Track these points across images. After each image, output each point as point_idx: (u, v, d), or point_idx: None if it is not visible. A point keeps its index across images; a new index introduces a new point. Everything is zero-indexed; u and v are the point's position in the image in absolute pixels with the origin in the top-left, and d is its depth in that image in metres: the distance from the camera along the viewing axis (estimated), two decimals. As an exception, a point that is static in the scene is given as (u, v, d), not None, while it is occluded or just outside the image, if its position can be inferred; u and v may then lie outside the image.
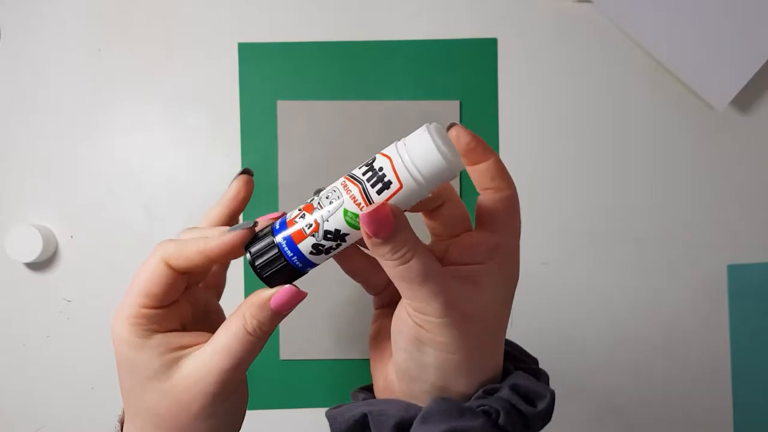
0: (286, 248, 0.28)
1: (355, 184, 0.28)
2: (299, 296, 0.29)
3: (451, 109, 0.51)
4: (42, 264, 0.51)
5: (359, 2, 0.52)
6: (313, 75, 0.52)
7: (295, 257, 0.28)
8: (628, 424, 0.52)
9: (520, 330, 0.52)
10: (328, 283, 0.51)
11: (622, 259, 0.52)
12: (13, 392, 0.51)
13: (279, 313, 0.30)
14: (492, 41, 0.52)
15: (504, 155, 0.52)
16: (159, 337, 0.31)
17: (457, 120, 0.51)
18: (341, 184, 0.28)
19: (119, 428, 0.34)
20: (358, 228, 0.27)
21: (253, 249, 0.29)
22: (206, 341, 0.31)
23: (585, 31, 0.52)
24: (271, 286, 0.29)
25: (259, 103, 0.51)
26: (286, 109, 0.51)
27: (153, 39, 0.52)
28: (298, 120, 0.51)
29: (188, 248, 0.32)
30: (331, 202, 0.27)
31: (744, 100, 0.52)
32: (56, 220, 0.51)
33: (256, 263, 0.28)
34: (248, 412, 0.54)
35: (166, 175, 0.52)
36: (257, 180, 0.51)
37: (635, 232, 0.52)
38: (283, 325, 0.51)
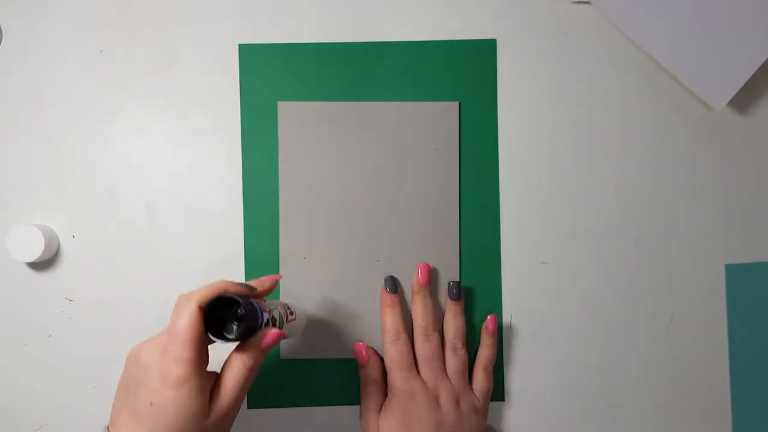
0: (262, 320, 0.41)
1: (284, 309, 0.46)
2: (281, 336, 0.41)
3: (450, 110, 0.52)
4: (44, 264, 0.51)
5: (359, 3, 0.52)
6: (313, 76, 0.52)
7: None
8: (627, 423, 0.52)
9: (519, 330, 0.52)
10: (328, 283, 0.51)
11: (622, 259, 0.52)
12: (15, 391, 0.51)
13: (267, 350, 0.40)
14: (491, 42, 0.52)
15: (503, 155, 0.52)
16: (196, 380, 0.37)
17: (456, 119, 0.52)
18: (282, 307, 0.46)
19: None
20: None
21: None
22: (214, 379, 0.40)
23: (584, 32, 0.52)
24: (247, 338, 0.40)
25: (259, 103, 0.52)
26: (287, 110, 0.51)
27: (154, 40, 0.52)
28: (299, 121, 0.51)
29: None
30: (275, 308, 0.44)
31: (742, 101, 0.52)
32: (58, 219, 0.51)
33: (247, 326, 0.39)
34: (249, 411, 0.54)
35: (167, 175, 0.52)
36: (257, 180, 0.52)
37: (634, 232, 0.53)
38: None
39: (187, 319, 0.37)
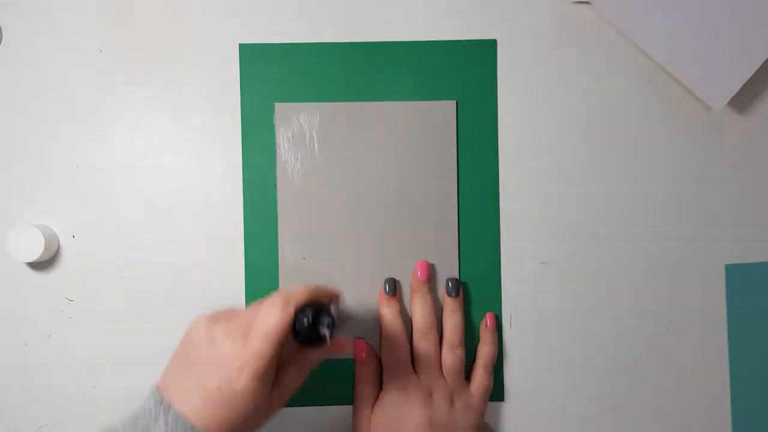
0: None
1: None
2: (349, 348, 0.49)
3: (449, 110, 0.52)
4: (44, 264, 0.51)
5: (359, 3, 0.52)
6: (313, 76, 0.52)
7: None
8: (627, 423, 0.52)
9: (518, 329, 0.52)
10: (328, 283, 0.51)
11: (622, 259, 0.52)
12: (15, 391, 0.51)
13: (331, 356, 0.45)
14: (491, 42, 0.52)
15: (503, 156, 0.52)
16: (270, 376, 0.39)
17: (453, 118, 0.52)
18: None
19: (157, 395, 0.39)
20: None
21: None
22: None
23: (583, 32, 0.52)
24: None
25: (259, 103, 0.52)
26: (285, 111, 0.51)
27: (154, 40, 0.52)
28: (298, 121, 0.51)
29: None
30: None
31: (742, 101, 0.52)
32: (58, 219, 0.51)
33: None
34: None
35: (167, 175, 0.52)
36: (257, 180, 0.52)
37: (634, 231, 0.53)
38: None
39: (281, 321, 0.38)
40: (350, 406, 0.50)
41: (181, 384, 0.39)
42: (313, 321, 0.40)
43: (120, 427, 0.39)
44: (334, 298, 0.44)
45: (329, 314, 0.40)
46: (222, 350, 0.38)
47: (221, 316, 0.41)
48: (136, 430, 0.38)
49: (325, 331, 0.40)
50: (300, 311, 0.40)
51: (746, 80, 0.50)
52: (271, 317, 0.38)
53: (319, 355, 0.43)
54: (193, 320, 0.41)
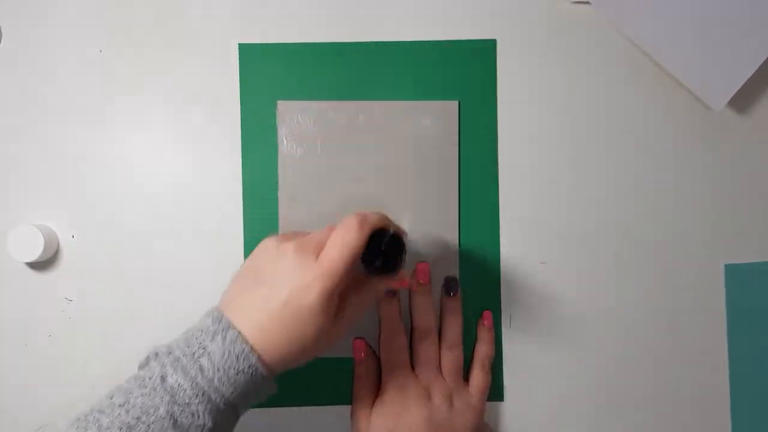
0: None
1: None
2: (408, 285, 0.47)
3: (450, 109, 0.52)
4: (44, 263, 0.51)
5: (359, 3, 0.52)
6: (313, 75, 0.52)
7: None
8: (627, 423, 0.52)
9: (518, 329, 0.52)
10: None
11: (621, 259, 0.52)
12: (15, 391, 0.51)
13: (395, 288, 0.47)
14: (491, 42, 0.52)
15: (503, 156, 0.52)
16: (336, 297, 0.38)
17: (455, 119, 0.52)
18: None
19: (216, 313, 0.39)
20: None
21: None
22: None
23: (583, 32, 0.52)
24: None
25: (259, 103, 0.52)
26: (287, 110, 0.51)
27: (154, 39, 0.52)
28: (299, 120, 0.51)
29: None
30: None
31: (742, 101, 0.52)
32: (57, 219, 0.51)
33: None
34: (248, 411, 0.54)
35: (167, 174, 0.52)
36: (257, 179, 0.52)
37: (634, 231, 0.53)
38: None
39: (357, 240, 0.38)
40: (350, 406, 0.50)
41: (245, 301, 0.38)
42: (387, 247, 0.39)
43: (166, 349, 0.38)
44: (401, 231, 0.42)
45: (401, 242, 0.40)
46: (292, 266, 0.38)
47: (292, 236, 0.40)
48: (190, 349, 0.37)
49: (399, 257, 0.40)
50: (374, 235, 0.39)
51: (746, 80, 0.50)
52: (347, 235, 0.37)
53: (381, 287, 0.42)
54: (263, 240, 0.41)
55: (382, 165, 0.52)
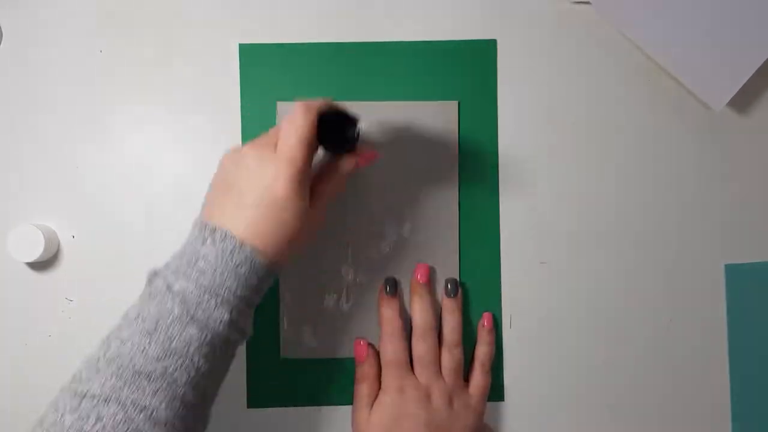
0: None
1: None
2: (377, 157, 0.46)
3: (450, 110, 0.52)
4: (44, 264, 0.51)
5: (359, 3, 0.52)
6: (313, 76, 0.52)
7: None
8: (627, 423, 0.52)
9: (518, 329, 0.52)
10: (329, 282, 0.51)
11: (621, 259, 0.52)
12: (15, 391, 0.51)
13: (359, 166, 0.44)
14: (491, 42, 0.52)
15: (503, 156, 0.52)
16: (306, 180, 0.40)
17: (455, 119, 0.52)
18: None
19: (200, 222, 0.40)
20: None
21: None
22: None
23: (584, 32, 0.52)
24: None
25: (259, 103, 0.52)
26: (287, 110, 0.51)
27: (154, 40, 0.52)
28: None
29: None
30: None
31: (742, 101, 0.52)
32: (58, 219, 0.51)
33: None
34: (249, 411, 0.54)
35: (167, 175, 0.52)
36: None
37: (633, 231, 0.53)
38: (285, 324, 0.51)
39: (306, 121, 0.39)
40: (350, 406, 0.50)
41: (224, 208, 0.40)
42: (338, 124, 0.41)
43: (163, 266, 0.40)
44: (349, 111, 0.44)
45: (351, 117, 0.42)
46: (256, 163, 0.39)
47: (248, 143, 0.42)
48: (185, 258, 0.39)
49: (352, 131, 0.42)
50: (323, 116, 0.41)
51: (746, 80, 0.50)
52: (297, 121, 0.39)
53: (348, 166, 0.43)
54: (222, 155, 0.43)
55: (382, 165, 0.52)
